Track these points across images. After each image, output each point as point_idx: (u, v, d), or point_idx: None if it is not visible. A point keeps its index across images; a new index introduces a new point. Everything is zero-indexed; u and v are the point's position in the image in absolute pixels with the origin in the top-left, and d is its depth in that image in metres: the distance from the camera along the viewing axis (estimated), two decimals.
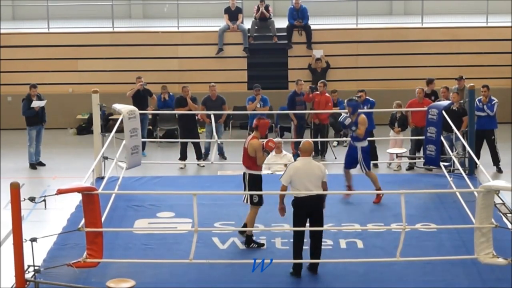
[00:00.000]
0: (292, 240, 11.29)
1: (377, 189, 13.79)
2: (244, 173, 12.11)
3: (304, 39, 21.90)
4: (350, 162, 14.16)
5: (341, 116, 14.04)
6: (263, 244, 12.06)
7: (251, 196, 11.96)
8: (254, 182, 12.04)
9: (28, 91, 18.19)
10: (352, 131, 13.90)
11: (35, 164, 17.96)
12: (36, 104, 17.87)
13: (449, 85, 17.99)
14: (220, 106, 18.33)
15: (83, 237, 10.84)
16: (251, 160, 12.00)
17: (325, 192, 11.29)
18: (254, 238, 12.08)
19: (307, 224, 11.18)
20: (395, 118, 17.78)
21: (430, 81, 18.25)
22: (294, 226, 11.15)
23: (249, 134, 18.10)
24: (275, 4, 24.49)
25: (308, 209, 11.11)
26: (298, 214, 11.14)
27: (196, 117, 18.48)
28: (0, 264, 11.99)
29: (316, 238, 11.20)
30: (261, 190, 12.00)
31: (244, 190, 12.13)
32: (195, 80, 21.16)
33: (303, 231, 11.14)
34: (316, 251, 11.17)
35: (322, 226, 11.23)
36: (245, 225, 12.10)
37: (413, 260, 11.24)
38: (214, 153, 17.44)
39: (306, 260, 11.17)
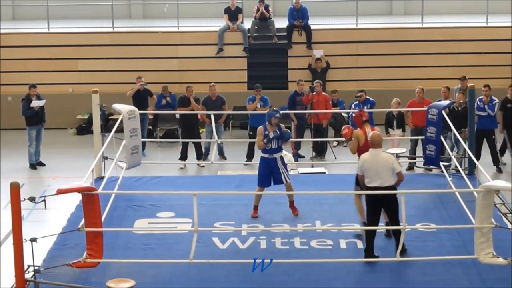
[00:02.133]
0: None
1: (291, 201, 13.28)
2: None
3: (304, 39, 21.90)
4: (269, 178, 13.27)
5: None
6: None
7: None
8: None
9: (28, 91, 18.19)
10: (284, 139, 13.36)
11: (35, 164, 17.97)
12: (35, 104, 17.87)
13: (449, 85, 17.98)
14: (220, 106, 18.33)
15: (83, 237, 10.84)
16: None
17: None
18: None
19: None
20: (393, 116, 17.77)
21: (463, 78, 18.31)
22: (369, 217, 11.53)
23: (249, 135, 18.25)
24: (275, 4, 24.47)
25: (380, 199, 11.34)
26: (371, 204, 11.44)
27: (198, 117, 18.50)
28: (0, 264, 11.99)
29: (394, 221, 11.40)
30: None
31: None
32: (195, 80, 21.13)
33: (376, 222, 11.41)
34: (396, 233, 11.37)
35: (395, 217, 11.38)
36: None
37: (413, 260, 11.24)
38: (214, 153, 17.44)
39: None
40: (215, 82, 18.81)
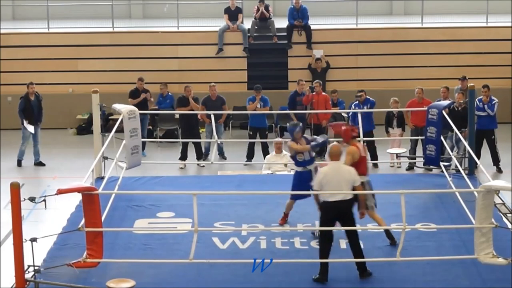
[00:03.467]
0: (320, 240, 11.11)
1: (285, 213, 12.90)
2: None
3: (304, 39, 21.90)
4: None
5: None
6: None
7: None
8: None
9: (26, 90, 18.23)
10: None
11: (21, 161, 18.15)
12: (28, 128, 17.96)
13: (449, 85, 17.98)
14: (220, 106, 18.34)
15: (83, 237, 10.84)
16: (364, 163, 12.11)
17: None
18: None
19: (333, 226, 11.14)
20: (393, 115, 17.78)
21: (463, 78, 18.31)
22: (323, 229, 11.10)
23: (249, 135, 18.24)
24: (275, 4, 24.48)
25: (335, 213, 11.05)
26: (325, 218, 11.09)
27: (198, 117, 18.51)
28: (0, 264, 11.98)
29: (353, 240, 11.10)
30: None
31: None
32: (195, 80, 21.15)
33: (331, 234, 11.06)
34: (357, 250, 11.06)
35: (352, 229, 11.08)
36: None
37: (413, 260, 11.24)
38: (214, 153, 17.44)
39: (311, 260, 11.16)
40: (215, 82, 18.82)
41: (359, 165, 11.62)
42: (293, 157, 12.59)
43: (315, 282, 10.85)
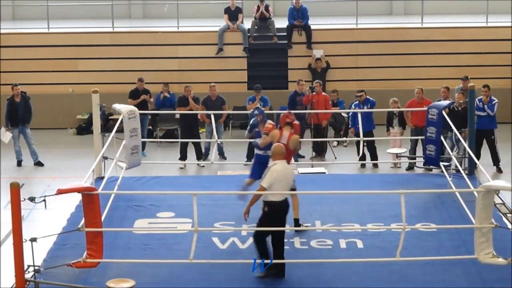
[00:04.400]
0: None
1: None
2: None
3: (304, 39, 21.90)
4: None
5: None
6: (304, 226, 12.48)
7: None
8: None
9: (12, 91, 18.29)
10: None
11: (20, 162, 18.19)
12: (3, 137, 18.06)
13: (449, 85, 17.98)
14: (220, 106, 18.33)
15: (83, 237, 10.84)
16: (291, 155, 12.59)
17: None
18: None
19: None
20: (394, 115, 17.79)
21: (465, 78, 18.30)
22: (262, 227, 10.97)
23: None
24: (275, 4, 24.49)
25: (284, 214, 11.02)
26: (274, 217, 10.97)
27: (198, 117, 18.50)
28: (0, 264, 11.99)
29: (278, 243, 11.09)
30: None
31: None
32: (195, 80, 21.14)
33: (268, 233, 11.02)
34: (279, 251, 11.04)
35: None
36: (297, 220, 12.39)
37: (413, 260, 11.24)
38: (214, 153, 17.44)
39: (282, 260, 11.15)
40: (215, 82, 18.82)
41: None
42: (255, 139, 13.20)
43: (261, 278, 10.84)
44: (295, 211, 12.45)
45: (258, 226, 11.07)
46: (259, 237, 11.03)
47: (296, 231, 12.38)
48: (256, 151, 13.33)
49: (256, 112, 13.46)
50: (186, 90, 18.39)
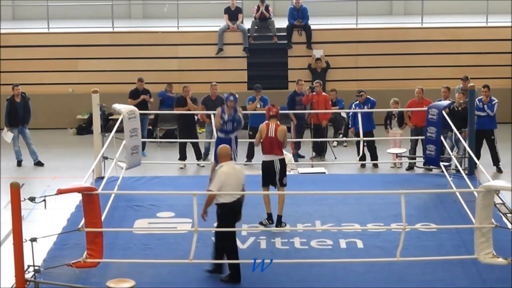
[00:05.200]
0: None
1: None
2: (273, 161, 12.73)
3: (304, 39, 21.90)
4: None
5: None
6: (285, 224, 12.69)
7: (283, 179, 12.72)
8: (284, 165, 12.89)
9: (12, 91, 18.28)
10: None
11: (20, 162, 18.21)
12: (6, 137, 18.07)
13: (449, 85, 17.97)
14: (220, 106, 18.30)
15: (83, 237, 10.84)
16: (281, 146, 12.79)
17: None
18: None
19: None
20: (392, 115, 17.79)
21: (465, 78, 18.30)
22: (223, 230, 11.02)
23: (249, 135, 18.22)
24: (275, 4, 24.49)
25: (237, 214, 11.06)
26: (228, 218, 11.04)
27: (196, 117, 18.49)
28: (0, 264, 11.99)
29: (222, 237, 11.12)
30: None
31: (275, 176, 12.71)
32: (195, 80, 21.15)
33: (233, 234, 11.08)
34: (220, 250, 11.09)
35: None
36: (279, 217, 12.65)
37: (413, 260, 11.24)
38: (213, 153, 17.41)
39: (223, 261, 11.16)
40: (215, 82, 18.81)
41: (264, 143, 12.76)
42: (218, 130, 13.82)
43: (225, 283, 10.86)
44: (280, 207, 12.62)
45: (218, 228, 11.12)
46: (223, 238, 11.05)
47: (277, 226, 12.61)
48: (218, 134, 13.85)
49: (231, 98, 13.75)
50: (184, 90, 18.39)
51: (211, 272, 11.09)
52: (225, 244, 11.03)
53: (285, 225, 12.68)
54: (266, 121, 13.11)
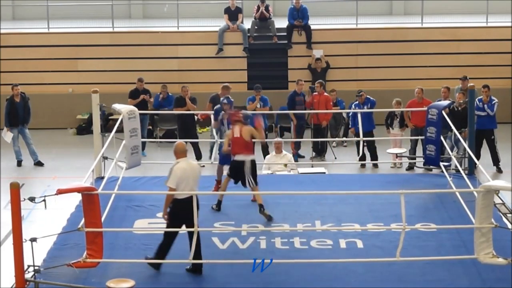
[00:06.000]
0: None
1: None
2: (243, 161, 13.00)
3: (304, 39, 21.91)
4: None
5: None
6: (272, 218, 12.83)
7: (255, 178, 13.01)
8: (255, 166, 13.19)
9: (12, 92, 18.29)
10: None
11: (20, 162, 18.27)
12: (6, 137, 18.07)
13: (449, 85, 17.99)
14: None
15: (83, 237, 10.84)
16: (249, 147, 13.07)
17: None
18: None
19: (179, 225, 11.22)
20: (394, 115, 17.80)
21: (464, 78, 18.31)
22: (171, 225, 11.09)
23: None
24: (275, 4, 24.49)
25: (190, 210, 10.97)
26: (178, 214, 11.07)
27: (196, 117, 18.49)
28: (0, 264, 11.98)
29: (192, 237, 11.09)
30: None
31: (244, 176, 13.00)
32: (195, 80, 21.16)
33: (176, 233, 11.09)
34: (196, 249, 11.00)
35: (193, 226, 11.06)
36: (261, 206, 12.89)
37: (413, 260, 11.23)
38: (214, 153, 17.42)
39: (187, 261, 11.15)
40: (215, 82, 18.82)
41: (232, 145, 13.04)
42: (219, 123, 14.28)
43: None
44: (258, 198, 12.95)
45: (167, 225, 11.17)
46: (166, 234, 11.14)
47: (268, 219, 12.80)
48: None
49: (225, 101, 13.95)
50: (183, 90, 18.39)
51: (189, 271, 11.12)
52: (163, 240, 11.11)
53: (268, 215, 12.92)
54: (231, 127, 13.37)
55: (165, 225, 12.87)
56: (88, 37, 22.03)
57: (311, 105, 18.31)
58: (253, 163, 13.14)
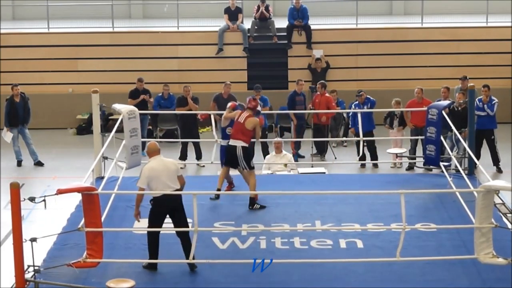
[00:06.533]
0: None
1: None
2: (236, 147, 13.28)
3: (304, 39, 21.91)
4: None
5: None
6: (265, 207, 13.22)
7: (249, 163, 13.28)
8: (249, 152, 13.46)
9: (12, 92, 18.30)
10: None
11: (21, 162, 18.29)
12: (6, 137, 18.08)
13: (449, 85, 17.99)
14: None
15: (83, 237, 10.84)
16: (246, 134, 13.25)
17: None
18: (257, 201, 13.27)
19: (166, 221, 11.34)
20: (394, 116, 17.80)
21: (464, 78, 18.30)
22: (152, 224, 11.18)
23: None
24: (275, 4, 24.49)
25: (169, 207, 11.11)
26: (157, 212, 11.16)
27: (197, 117, 18.49)
28: (0, 264, 11.98)
29: (183, 235, 11.17)
30: (252, 157, 13.59)
31: (236, 160, 13.28)
32: (195, 80, 21.16)
33: (158, 231, 11.16)
34: (187, 249, 11.07)
35: (185, 222, 11.21)
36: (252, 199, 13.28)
37: (413, 260, 11.23)
38: (214, 152, 17.40)
39: (182, 261, 11.17)
40: (215, 82, 18.83)
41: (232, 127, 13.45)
42: (223, 129, 14.05)
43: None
44: (251, 190, 13.33)
45: (148, 223, 11.24)
46: (149, 234, 11.22)
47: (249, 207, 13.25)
48: (222, 142, 14.20)
49: (238, 109, 13.97)
50: (185, 89, 18.39)
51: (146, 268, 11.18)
52: (148, 239, 11.20)
53: (259, 206, 13.22)
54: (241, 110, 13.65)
55: (165, 225, 12.89)
56: (88, 37, 22.04)
57: (312, 105, 18.31)
58: (244, 149, 13.32)
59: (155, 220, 11.20)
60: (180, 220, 11.22)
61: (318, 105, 18.24)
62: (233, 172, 13.97)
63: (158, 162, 11.24)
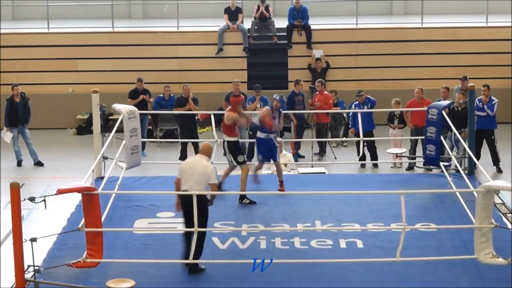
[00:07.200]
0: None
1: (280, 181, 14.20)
2: (223, 141, 13.79)
3: (304, 39, 21.91)
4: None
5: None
6: (254, 202, 13.47)
7: (236, 158, 13.66)
8: (233, 146, 13.67)
9: (12, 92, 18.31)
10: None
11: (21, 162, 18.29)
12: (5, 137, 18.10)
13: (449, 85, 17.98)
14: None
15: (83, 237, 10.84)
16: (228, 130, 13.66)
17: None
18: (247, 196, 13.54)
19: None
20: (394, 115, 17.81)
21: (464, 78, 18.31)
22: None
23: (249, 135, 18.26)
24: (275, 4, 24.50)
25: (184, 207, 11.21)
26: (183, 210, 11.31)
27: (196, 117, 18.49)
28: (0, 264, 11.98)
29: (188, 240, 11.08)
30: (240, 152, 13.78)
31: (225, 155, 13.90)
32: (195, 80, 21.15)
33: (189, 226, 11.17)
34: (187, 247, 11.07)
35: (192, 225, 10.91)
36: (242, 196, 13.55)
37: (413, 260, 11.23)
38: (214, 152, 17.39)
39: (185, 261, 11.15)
40: (214, 82, 18.82)
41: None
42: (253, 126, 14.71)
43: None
44: (241, 186, 13.61)
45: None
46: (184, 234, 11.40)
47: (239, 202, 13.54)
48: (258, 134, 14.26)
49: (277, 97, 14.28)
50: (184, 89, 18.38)
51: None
52: (184, 238, 11.32)
53: (248, 201, 13.52)
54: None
55: (165, 225, 12.91)
56: (88, 37, 22.04)
57: (312, 105, 18.30)
58: (230, 143, 13.66)
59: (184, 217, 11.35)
60: (188, 224, 11.14)
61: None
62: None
63: (198, 160, 11.39)
